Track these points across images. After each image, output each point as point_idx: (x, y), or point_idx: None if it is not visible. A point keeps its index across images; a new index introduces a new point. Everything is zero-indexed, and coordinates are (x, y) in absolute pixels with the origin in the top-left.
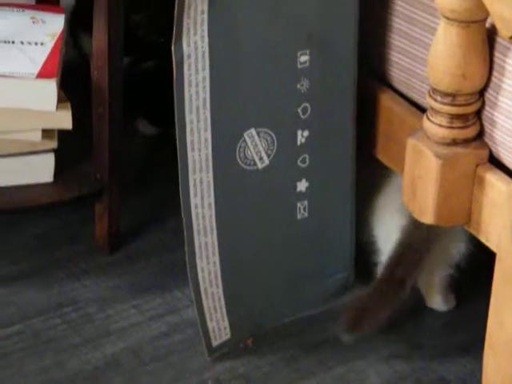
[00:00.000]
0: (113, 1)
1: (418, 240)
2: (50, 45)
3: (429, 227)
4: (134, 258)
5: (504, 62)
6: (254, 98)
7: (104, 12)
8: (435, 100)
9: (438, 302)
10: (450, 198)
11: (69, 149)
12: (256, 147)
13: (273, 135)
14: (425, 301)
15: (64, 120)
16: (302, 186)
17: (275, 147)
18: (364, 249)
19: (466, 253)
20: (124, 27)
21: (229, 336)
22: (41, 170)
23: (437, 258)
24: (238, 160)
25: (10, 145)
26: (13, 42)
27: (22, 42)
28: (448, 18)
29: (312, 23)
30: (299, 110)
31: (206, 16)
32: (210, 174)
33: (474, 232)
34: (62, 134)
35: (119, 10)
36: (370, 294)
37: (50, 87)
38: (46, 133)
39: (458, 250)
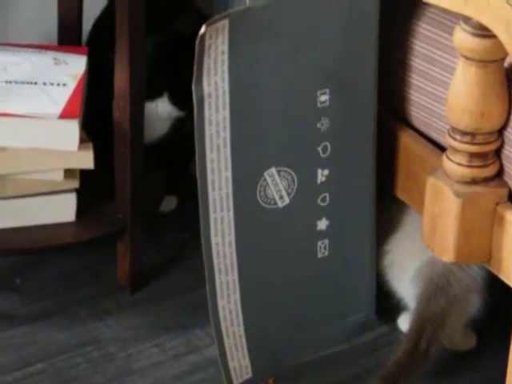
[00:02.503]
0: (136, 38)
1: (435, 313)
2: (72, 85)
3: (444, 297)
4: (156, 297)
5: None
6: (274, 138)
7: (126, 51)
8: (454, 139)
9: (458, 342)
10: (470, 237)
11: (91, 188)
12: (276, 186)
13: (293, 174)
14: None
15: (86, 160)
16: (323, 224)
17: (295, 186)
18: (385, 287)
19: (484, 303)
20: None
21: (250, 375)
22: (63, 209)
23: (455, 321)
24: (259, 199)
25: (33, 184)
26: (35, 83)
27: (44, 83)
28: (467, 58)
29: (332, 63)
30: (319, 148)
31: (226, 56)
32: (231, 213)
33: (494, 270)
34: (84, 174)
35: (142, 48)
36: (396, 366)
37: (72, 127)
38: (68, 173)
39: (474, 307)
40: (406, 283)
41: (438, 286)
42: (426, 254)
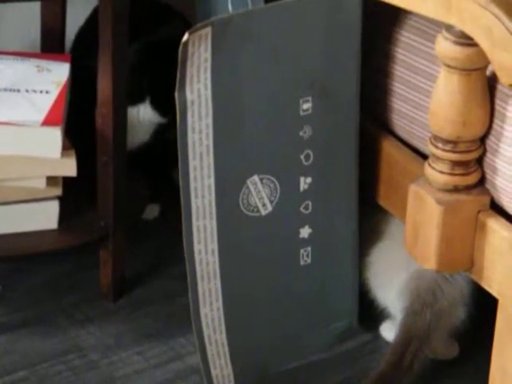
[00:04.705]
0: (119, 47)
1: (421, 328)
2: (54, 93)
3: (431, 312)
4: (138, 305)
5: (505, 109)
6: (256, 145)
7: (109, 59)
8: (436, 147)
9: (441, 352)
10: (452, 245)
11: (73, 196)
12: (259, 194)
13: (276, 182)
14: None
15: (68, 167)
16: (305, 232)
17: (278, 194)
18: (368, 296)
19: (468, 315)
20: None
21: (232, 383)
22: (45, 217)
23: (440, 333)
24: (242, 207)
25: (15, 192)
26: (18, 90)
27: (27, 90)
28: (449, 66)
29: (314, 71)
30: (302, 156)
31: (209, 64)
32: (214, 221)
33: (476, 278)
34: (67, 182)
35: (125, 57)
36: (380, 379)
37: (55, 135)
38: (51, 180)
39: (460, 319)
40: (391, 294)
41: (424, 301)
42: (412, 265)
